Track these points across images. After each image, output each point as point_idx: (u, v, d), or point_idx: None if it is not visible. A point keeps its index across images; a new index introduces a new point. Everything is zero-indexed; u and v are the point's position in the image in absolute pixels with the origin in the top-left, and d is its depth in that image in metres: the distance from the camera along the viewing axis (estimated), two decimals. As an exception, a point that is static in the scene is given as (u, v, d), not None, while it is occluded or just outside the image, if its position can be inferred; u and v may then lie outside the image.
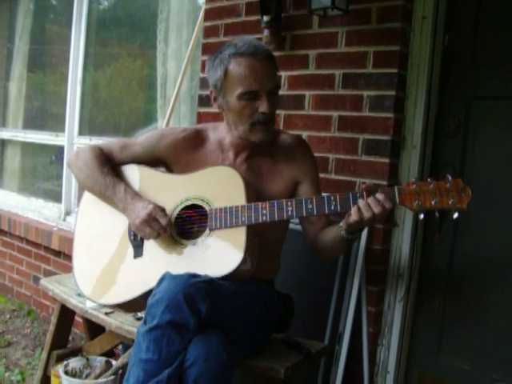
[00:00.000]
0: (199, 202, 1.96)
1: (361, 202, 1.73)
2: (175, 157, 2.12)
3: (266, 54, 1.93)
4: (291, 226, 2.19)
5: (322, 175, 2.52)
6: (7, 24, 4.90)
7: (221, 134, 2.11)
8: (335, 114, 2.53)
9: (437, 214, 1.71)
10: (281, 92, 2.67)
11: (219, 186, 1.95)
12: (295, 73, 2.66)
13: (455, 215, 1.67)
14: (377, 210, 1.71)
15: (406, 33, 2.39)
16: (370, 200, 1.72)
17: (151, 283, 1.79)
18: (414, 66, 2.41)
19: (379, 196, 1.72)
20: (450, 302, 2.45)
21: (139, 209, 1.94)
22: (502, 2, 2.32)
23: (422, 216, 1.72)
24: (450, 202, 1.66)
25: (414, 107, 2.42)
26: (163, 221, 1.91)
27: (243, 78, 1.89)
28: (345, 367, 2.38)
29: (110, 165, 2.11)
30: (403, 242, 2.45)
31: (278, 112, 2.67)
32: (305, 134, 2.61)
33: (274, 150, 2.08)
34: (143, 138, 2.19)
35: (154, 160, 2.15)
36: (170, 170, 2.17)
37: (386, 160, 2.38)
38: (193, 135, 2.13)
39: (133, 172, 2.13)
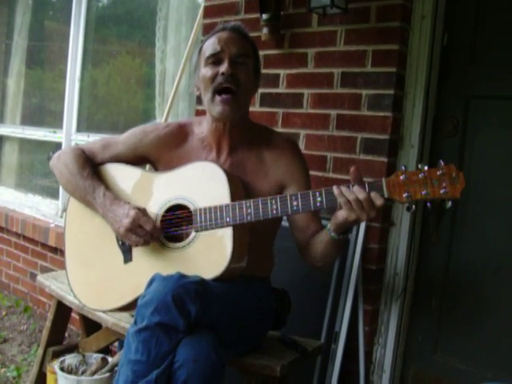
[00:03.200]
0: (183, 202, 1.92)
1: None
2: (159, 153, 2.08)
3: (233, 27, 1.99)
4: (287, 224, 2.18)
5: (319, 174, 2.53)
6: (6, 20, 4.89)
7: (204, 127, 2.07)
8: (333, 112, 2.53)
9: (428, 204, 1.62)
10: (279, 90, 2.70)
11: (202, 184, 1.91)
12: (294, 71, 2.66)
13: (449, 205, 1.58)
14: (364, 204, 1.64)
15: (405, 32, 2.39)
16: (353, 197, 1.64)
17: (142, 289, 1.76)
18: (413, 65, 2.41)
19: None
20: (446, 301, 2.45)
21: (121, 216, 1.90)
22: (501, 2, 2.33)
23: (413, 208, 1.62)
24: (441, 192, 1.55)
25: (412, 106, 2.42)
26: (148, 226, 1.87)
27: (210, 45, 1.96)
28: (341, 365, 2.38)
29: (91, 167, 2.07)
30: (400, 242, 2.46)
31: (276, 110, 2.69)
32: (303, 133, 2.61)
33: (262, 150, 2.03)
34: (125, 136, 2.15)
35: (137, 158, 2.12)
36: (154, 167, 2.14)
37: (384, 159, 2.38)
38: (176, 131, 2.10)
39: (115, 172, 2.09)
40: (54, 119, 4.42)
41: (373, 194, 1.64)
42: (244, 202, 1.82)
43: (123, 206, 1.93)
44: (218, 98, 1.91)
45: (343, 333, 2.38)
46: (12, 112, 4.86)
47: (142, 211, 1.90)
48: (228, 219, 1.82)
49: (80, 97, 4.13)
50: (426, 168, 1.59)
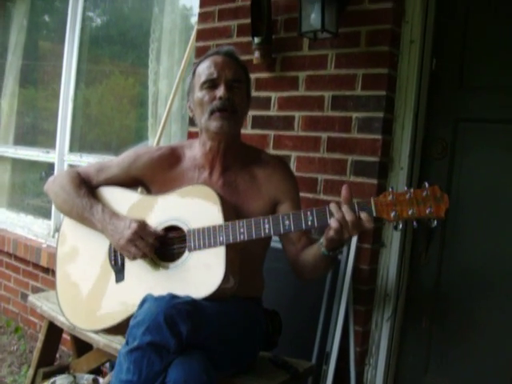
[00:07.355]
0: (177, 224, 1.95)
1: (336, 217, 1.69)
2: (152, 176, 2.12)
3: (226, 52, 2.05)
4: (278, 244, 2.20)
5: (310, 195, 2.55)
6: (0, 39, 4.92)
7: (196, 150, 2.11)
8: (324, 135, 2.56)
9: (414, 223, 1.67)
10: (271, 113, 2.72)
11: (196, 205, 1.94)
12: (285, 94, 2.69)
13: (434, 224, 1.64)
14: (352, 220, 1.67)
15: (394, 56, 2.43)
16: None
17: (134, 308, 1.78)
18: (402, 88, 2.45)
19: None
20: (436, 321, 2.47)
21: (122, 228, 1.93)
22: (489, 28, 2.37)
23: (400, 226, 1.67)
24: (427, 212, 1.62)
25: (401, 129, 2.45)
26: (150, 238, 1.90)
27: (205, 69, 2.01)
28: (332, 387, 2.38)
29: (87, 187, 2.11)
30: (390, 262, 2.48)
31: (268, 132, 2.72)
32: (294, 155, 2.64)
33: (254, 168, 2.08)
34: (119, 159, 2.19)
35: (131, 180, 2.15)
36: (147, 189, 2.17)
37: (374, 181, 2.40)
38: (168, 153, 2.14)
39: (110, 194, 2.12)
40: (46, 139, 4.43)
41: (363, 215, 1.67)
42: (237, 221, 1.84)
43: (124, 219, 1.96)
44: (216, 113, 1.96)
45: (334, 353, 2.38)
46: (5, 131, 4.86)
47: (144, 224, 1.94)
48: (221, 238, 1.84)
49: (73, 116, 4.14)
50: (412, 190, 1.65)
